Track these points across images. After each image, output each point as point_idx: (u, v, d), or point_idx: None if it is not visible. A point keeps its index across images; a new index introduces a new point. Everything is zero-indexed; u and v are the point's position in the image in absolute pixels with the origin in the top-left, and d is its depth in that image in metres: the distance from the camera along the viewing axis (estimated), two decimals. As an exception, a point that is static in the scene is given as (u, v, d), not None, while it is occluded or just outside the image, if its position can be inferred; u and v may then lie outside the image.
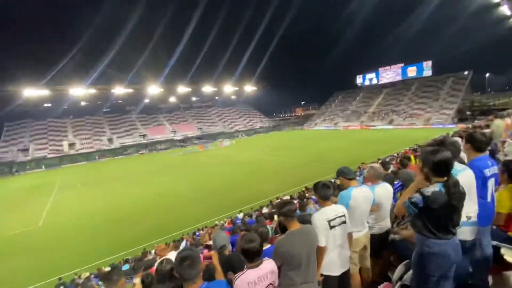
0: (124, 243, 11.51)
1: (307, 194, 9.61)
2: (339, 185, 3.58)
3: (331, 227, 2.16)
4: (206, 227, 11.05)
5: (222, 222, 11.34)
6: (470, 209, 2.18)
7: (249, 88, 78.84)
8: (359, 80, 72.41)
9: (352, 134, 43.88)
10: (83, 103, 60.20)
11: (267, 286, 1.81)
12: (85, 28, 67.79)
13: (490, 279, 2.73)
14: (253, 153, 34.62)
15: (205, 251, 1.70)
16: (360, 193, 2.58)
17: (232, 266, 2.03)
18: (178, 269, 1.44)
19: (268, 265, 1.85)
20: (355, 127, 55.54)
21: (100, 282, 5.99)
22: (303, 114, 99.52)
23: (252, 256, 1.74)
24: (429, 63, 57.70)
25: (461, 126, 26.55)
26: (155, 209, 15.83)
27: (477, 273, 2.63)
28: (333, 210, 2.25)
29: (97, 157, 50.11)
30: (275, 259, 1.94)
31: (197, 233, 9.99)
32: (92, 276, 7.56)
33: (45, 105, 55.69)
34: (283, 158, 28.03)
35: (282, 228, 2.44)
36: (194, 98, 76.69)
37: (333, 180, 9.35)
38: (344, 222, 2.26)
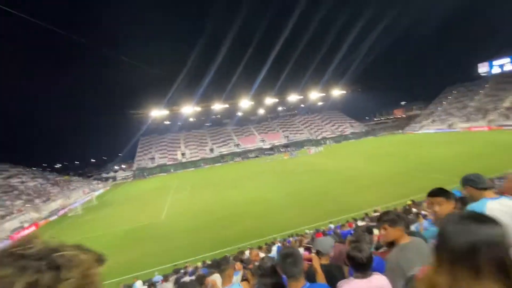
0: (223, 241, 12.82)
1: (413, 209, 8.16)
2: (463, 198, 2.87)
3: None
4: (297, 234, 10.98)
5: (311, 231, 11.02)
6: None
7: (337, 92, 74.98)
8: (483, 68, 57.34)
9: (477, 137, 34.76)
10: (191, 119, 72.19)
11: None
12: (189, 56, 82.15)
13: None
14: (344, 160, 32.42)
15: (305, 253, 1.67)
16: (499, 207, 1.97)
17: (331, 274, 1.91)
18: (282, 265, 1.46)
19: (379, 281, 1.61)
20: (480, 128, 43.85)
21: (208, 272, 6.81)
22: (404, 116, 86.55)
23: (360, 267, 1.58)
24: None
25: None
26: (249, 212, 16.99)
27: None
28: None
29: (202, 164, 58.72)
30: (394, 281, 1.63)
31: (288, 240, 10.05)
32: (201, 265, 8.72)
33: (166, 122, 69.84)
34: (380, 166, 24.99)
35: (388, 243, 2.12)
36: (280, 108, 79.39)
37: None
38: None
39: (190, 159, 60.77)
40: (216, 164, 57.76)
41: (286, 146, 62.81)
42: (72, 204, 30.66)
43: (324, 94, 74.80)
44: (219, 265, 2.54)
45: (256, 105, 70.42)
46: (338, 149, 47.77)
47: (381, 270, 1.68)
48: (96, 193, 38.21)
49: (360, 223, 9.43)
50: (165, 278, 7.46)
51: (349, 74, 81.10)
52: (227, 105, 66.37)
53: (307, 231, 11.41)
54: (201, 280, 3.78)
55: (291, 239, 10.14)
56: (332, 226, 10.79)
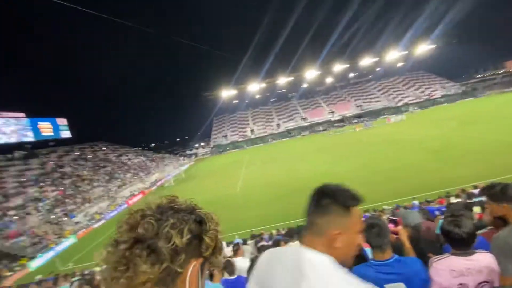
0: (293, 213, 13.23)
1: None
2: None
3: None
4: (374, 210, 10.36)
5: (390, 207, 10.18)
6: None
7: (423, 47, 62.51)
8: None
9: None
10: (257, 96, 73.74)
11: (480, 284, 1.36)
12: (254, 34, 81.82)
13: None
14: (432, 129, 27.81)
15: (390, 225, 1.54)
16: None
17: (420, 249, 1.74)
18: (366, 235, 1.41)
19: (485, 259, 1.38)
20: None
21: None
22: (520, 68, 66.60)
23: (458, 243, 1.38)
24: None
25: None
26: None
27: None
28: None
29: (269, 139, 60.40)
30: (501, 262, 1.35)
31: (364, 215, 9.59)
32: (275, 233, 9.32)
33: (234, 101, 73.54)
34: (480, 134, 20.46)
35: (497, 219, 1.72)
36: (351, 74, 72.26)
37: None
38: None
39: (258, 135, 63.18)
40: (284, 139, 58.38)
41: (359, 116, 57.82)
42: (166, 177, 36.62)
43: (406, 52, 63.70)
44: (293, 233, 2.67)
45: (323, 74, 66.02)
46: (425, 116, 41.13)
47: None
48: (183, 168, 44.39)
49: (453, 200, 8.14)
50: (244, 242, 8.30)
51: (442, 25, 66.16)
52: (291, 78, 64.62)
53: (385, 207, 10.60)
54: (277, 244, 4.05)
55: (368, 214, 9.65)
56: (416, 202, 9.68)
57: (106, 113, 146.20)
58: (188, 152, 79.68)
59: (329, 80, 69.92)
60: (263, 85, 65.62)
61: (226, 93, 64.69)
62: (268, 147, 50.49)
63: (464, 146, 18.18)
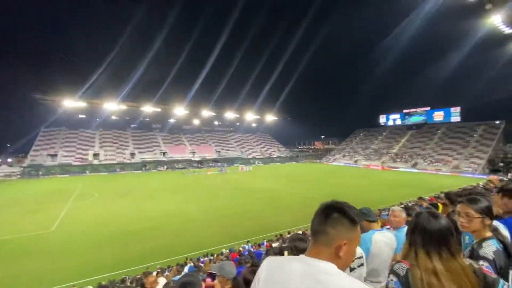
0: (129, 258, 11.29)
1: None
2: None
3: (351, 270, 1.95)
4: (211, 254, 10.62)
5: (227, 251, 10.88)
6: None
7: (270, 117, 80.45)
8: (382, 119, 71.45)
9: (373, 174, 42.19)
10: (113, 117, 64.05)
11: None
12: (120, 45, 73.90)
13: None
14: (269, 182, 34.07)
15: (208, 279, 1.55)
16: (382, 239, 2.34)
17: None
18: None
19: None
20: (376, 167, 53.55)
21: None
22: (322, 147, 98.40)
23: None
24: (458, 108, 56.07)
25: (494, 177, 24.66)
26: (164, 228, 15.62)
27: None
28: None
29: (118, 169, 51.85)
30: None
31: (201, 260, 9.60)
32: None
33: (80, 116, 59.96)
34: (299, 190, 27.26)
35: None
36: (216, 123, 79.19)
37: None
38: (362, 264, 2.02)
39: (103, 162, 53.04)
40: (136, 171, 52.06)
41: (216, 161, 62.26)
42: None
43: (258, 117, 78.96)
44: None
45: (191, 114, 68.20)
46: (265, 170, 50.13)
47: None
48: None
49: (274, 244, 9.84)
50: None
51: (281, 103, 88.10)
52: (159, 109, 62.08)
53: (223, 250, 11.19)
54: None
55: (205, 259, 9.73)
56: (246, 246, 10.90)
57: None
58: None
59: (196, 122, 72.86)
60: (123, 107, 58.55)
61: (70, 103, 52.05)
62: (114, 178, 42.84)
63: (286, 199, 23.30)
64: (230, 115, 71.98)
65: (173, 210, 19.86)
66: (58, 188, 31.90)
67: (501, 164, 41.00)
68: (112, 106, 56.27)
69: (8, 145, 70.35)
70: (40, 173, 45.86)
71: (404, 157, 54.01)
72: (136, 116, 64.85)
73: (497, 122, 51.90)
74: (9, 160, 60.89)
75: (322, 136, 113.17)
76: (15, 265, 11.08)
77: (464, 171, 41.21)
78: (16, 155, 65.69)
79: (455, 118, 56.23)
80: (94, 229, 15.74)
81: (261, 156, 71.15)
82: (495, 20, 26.54)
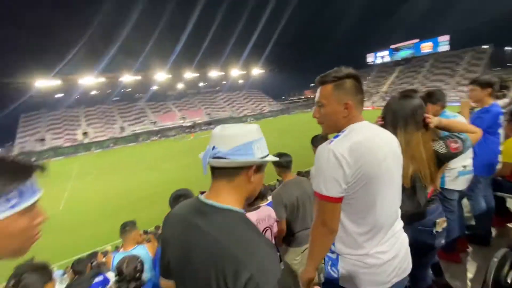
0: (144, 221, 11.96)
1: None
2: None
3: None
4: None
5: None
6: (466, 160, 2.30)
7: (257, 71, 77.52)
8: (370, 59, 69.75)
9: (364, 115, 42.78)
10: (93, 92, 61.10)
11: (265, 229, 2.00)
12: (91, 17, 67.38)
13: (493, 231, 2.73)
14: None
15: None
16: None
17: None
18: (173, 206, 1.51)
19: (266, 210, 2.07)
20: (366, 108, 53.93)
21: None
22: (312, 96, 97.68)
23: None
24: (446, 37, 54.63)
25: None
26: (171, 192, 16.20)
27: (480, 225, 2.68)
28: None
29: (111, 144, 51.41)
30: (276, 210, 2.22)
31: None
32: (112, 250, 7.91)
33: (58, 95, 56.92)
34: (292, 141, 27.85)
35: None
36: (201, 84, 76.37)
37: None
38: None
39: (94, 139, 52.22)
40: (130, 144, 51.75)
41: (209, 123, 61.79)
42: None
43: (245, 72, 76.04)
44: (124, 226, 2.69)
45: (174, 79, 65.30)
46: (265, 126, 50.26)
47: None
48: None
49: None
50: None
51: (266, 55, 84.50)
52: (139, 77, 59.03)
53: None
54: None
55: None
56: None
57: None
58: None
59: (180, 85, 70.08)
60: (102, 79, 55.42)
61: (44, 83, 48.90)
62: (108, 154, 42.75)
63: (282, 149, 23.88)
64: (214, 73, 69.05)
65: (175, 177, 20.38)
66: (55, 171, 31.89)
67: (487, 89, 41.76)
68: (90, 80, 53.24)
69: (-9, 135, 67.79)
70: (34, 159, 45.19)
71: (393, 94, 54.24)
72: (116, 87, 61.94)
73: (485, 46, 51.23)
74: (-2, 150, 59.34)
75: (311, 85, 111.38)
76: (34, 244, 11.68)
77: (452, 100, 41.99)
78: (3, 144, 63.95)
79: (444, 47, 55.16)
80: (102, 203, 16.30)
81: (252, 113, 70.63)
82: None
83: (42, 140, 49.73)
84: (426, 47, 57.64)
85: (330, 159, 1.09)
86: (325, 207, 1.14)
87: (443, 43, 54.71)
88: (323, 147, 1.16)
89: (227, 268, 0.70)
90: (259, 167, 0.88)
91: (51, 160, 45.22)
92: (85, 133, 53.14)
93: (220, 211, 0.82)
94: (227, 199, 0.84)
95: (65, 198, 18.92)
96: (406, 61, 61.54)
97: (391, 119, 1.48)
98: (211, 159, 0.83)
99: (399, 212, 1.27)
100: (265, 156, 0.88)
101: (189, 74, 64.87)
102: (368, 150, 1.11)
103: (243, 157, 0.82)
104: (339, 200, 1.12)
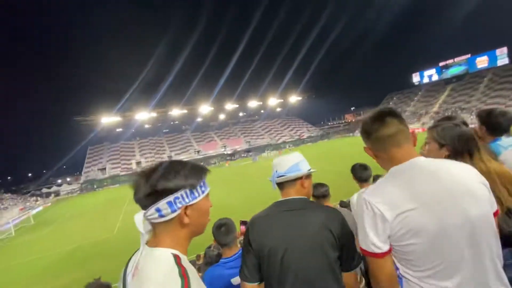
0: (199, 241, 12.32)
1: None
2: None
3: None
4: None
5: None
6: None
7: (294, 98, 78.65)
8: (416, 78, 65.84)
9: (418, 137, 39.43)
10: (146, 126, 68.27)
11: None
12: (144, 60, 78.31)
13: None
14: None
15: (242, 227, 1.92)
16: None
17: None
18: (215, 234, 1.56)
19: None
20: (417, 130, 49.95)
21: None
22: (354, 120, 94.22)
23: None
24: (504, 49, 49.30)
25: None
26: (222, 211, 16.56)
27: None
28: None
29: (159, 173, 55.54)
30: None
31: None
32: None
33: (118, 129, 64.90)
34: (333, 167, 26.76)
35: None
36: (241, 114, 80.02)
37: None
38: None
39: (146, 168, 57.19)
40: (176, 172, 55.22)
41: (247, 151, 63.30)
42: (4, 226, 26.39)
43: (282, 100, 77.84)
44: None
45: (216, 110, 69.83)
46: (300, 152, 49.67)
47: None
48: (34, 211, 33.51)
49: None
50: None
51: (304, 82, 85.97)
52: (185, 111, 64.57)
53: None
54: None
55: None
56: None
57: None
58: (45, 190, 61.43)
59: (222, 116, 74.44)
60: (154, 114, 62.00)
61: (108, 120, 56.57)
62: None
63: (320, 176, 23.00)
64: (253, 103, 72.04)
65: (218, 202, 20.86)
66: (112, 197, 35.38)
67: None
68: (144, 115, 59.93)
69: (64, 167, 79.21)
70: (95, 186, 51.14)
71: (446, 114, 49.49)
72: (166, 121, 68.44)
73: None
74: (68, 179, 68.70)
75: (352, 108, 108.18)
76: (90, 266, 12.78)
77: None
78: (72, 174, 73.93)
79: (502, 61, 49.62)
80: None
81: (291, 139, 70.50)
82: None
83: (103, 169, 56.29)
84: (482, 61, 52.50)
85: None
86: None
87: (501, 56, 49.34)
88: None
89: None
90: (307, 177, 1.40)
91: (110, 187, 50.51)
92: (138, 163, 58.71)
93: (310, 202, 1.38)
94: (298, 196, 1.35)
95: (119, 223, 20.64)
96: (458, 78, 56.58)
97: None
98: (276, 178, 1.35)
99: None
100: (309, 170, 1.42)
101: (230, 106, 68.93)
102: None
103: (295, 172, 1.34)
104: None
